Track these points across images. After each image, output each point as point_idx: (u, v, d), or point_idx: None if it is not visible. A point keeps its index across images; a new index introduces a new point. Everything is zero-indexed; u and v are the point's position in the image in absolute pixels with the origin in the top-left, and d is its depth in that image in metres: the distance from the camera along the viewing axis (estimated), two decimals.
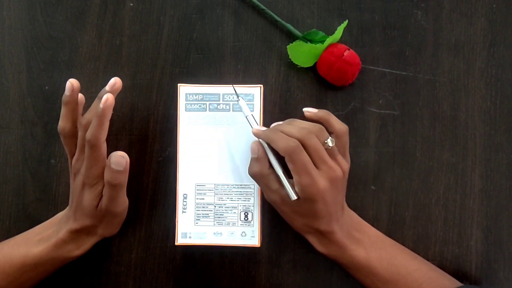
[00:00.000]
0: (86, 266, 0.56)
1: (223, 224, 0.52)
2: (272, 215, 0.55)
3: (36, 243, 0.50)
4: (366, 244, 0.50)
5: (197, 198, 0.52)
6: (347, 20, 0.53)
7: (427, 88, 0.55)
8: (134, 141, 0.56)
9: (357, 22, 0.56)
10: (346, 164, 0.49)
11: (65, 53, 0.57)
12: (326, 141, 0.47)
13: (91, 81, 0.56)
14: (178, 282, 0.55)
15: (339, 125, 0.50)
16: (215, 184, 0.52)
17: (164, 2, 0.57)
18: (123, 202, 0.51)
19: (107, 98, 0.46)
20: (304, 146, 0.46)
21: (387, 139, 0.55)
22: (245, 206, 0.52)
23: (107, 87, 0.49)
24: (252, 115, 0.50)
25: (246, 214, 0.52)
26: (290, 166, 0.47)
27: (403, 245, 0.53)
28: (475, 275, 0.53)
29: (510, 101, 0.55)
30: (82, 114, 0.51)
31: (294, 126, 0.48)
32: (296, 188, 0.47)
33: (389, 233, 0.53)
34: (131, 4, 0.57)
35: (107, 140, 0.56)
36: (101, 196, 0.49)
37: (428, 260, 0.53)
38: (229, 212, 0.52)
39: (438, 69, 0.55)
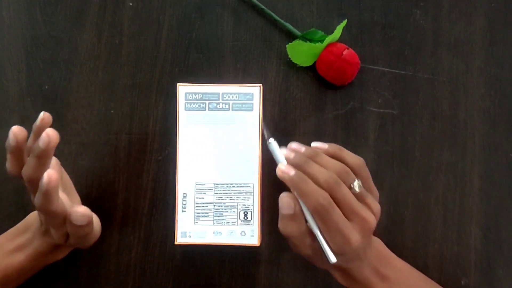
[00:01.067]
0: (86, 265, 0.56)
1: (223, 223, 0.52)
2: (272, 214, 0.55)
3: (13, 252, 0.48)
4: (392, 281, 0.47)
5: (196, 198, 0.52)
6: (346, 20, 0.53)
7: (426, 87, 0.55)
8: (133, 141, 0.56)
9: (357, 21, 0.56)
10: (377, 206, 0.45)
11: (64, 52, 0.57)
12: (352, 186, 0.44)
13: (91, 80, 0.56)
14: (178, 281, 0.55)
15: (354, 160, 0.45)
16: (214, 184, 0.52)
17: (164, 2, 0.57)
18: (93, 237, 0.49)
19: (49, 179, 0.40)
20: (333, 197, 0.42)
21: (386, 139, 0.55)
22: (245, 205, 0.52)
23: (40, 144, 0.41)
24: (276, 146, 0.47)
25: (245, 213, 0.52)
26: (320, 224, 0.43)
27: (403, 245, 0.53)
28: (474, 274, 0.53)
29: (509, 101, 0.55)
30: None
31: (321, 171, 0.43)
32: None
33: (388, 233, 0.53)
34: (131, 4, 0.57)
35: (106, 139, 0.56)
36: (68, 234, 0.46)
37: (427, 259, 0.54)
38: (229, 211, 0.52)
39: (437, 68, 0.55)
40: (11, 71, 0.57)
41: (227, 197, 0.52)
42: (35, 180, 0.42)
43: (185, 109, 0.52)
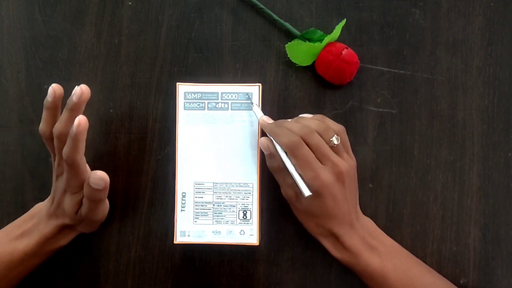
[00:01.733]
0: (85, 264, 0.56)
1: (222, 222, 0.52)
2: (271, 214, 0.55)
3: (19, 237, 0.50)
4: (381, 252, 0.49)
5: (195, 197, 0.52)
6: (345, 19, 0.53)
7: (425, 86, 0.55)
8: (133, 140, 0.56)
9: (355, 21, 0.56)
10: (352, 160, 0.50)
11: (63, 52, 0.57)
12: (331, 139, 0.48)
13: (90, 80, 0.56)
14: (177, 280, 0.56)
15: (335, 126, 0.50)
16: (213, 183, 0.52)
17: (163, 1, 0.57)
18: (102, 211, 0.52)
19: (79, 122, 0.45)
20: (306, 143, 0.47)
21: (385, 138, 0.55)
22: (244, 204, 0.52)
23: (74, 98, 0.47)
24: (257, 105, 0.52)
25: (244, 212, 0.52)
26: (293, 161, 0.47)
27: (401, 243, 0.53)
28: (473, 273, 0.54)
29: (508, 100, 0.55)
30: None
31: (298, 123, 0.48)
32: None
33: (387, 231, 0.53)
34: (130, 3, 0.57)
35: (106, 138, 0.56)
36: (81, 203, 0.50)
37: (426, 258, 0.54)
38: (228, 210, 0.52)
39: (436, 67, 0.55)
40: (10, 71, 0.57)
41: (226, 197, 0.52)
42: (65, 135, 0.47)
43: (184, 109, 0.53)
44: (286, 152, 0.48)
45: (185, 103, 0.53)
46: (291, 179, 0.49)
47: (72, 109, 0.47)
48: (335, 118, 0.55)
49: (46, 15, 0.57)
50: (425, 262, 0.53)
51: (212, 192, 0.52)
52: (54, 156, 0.50)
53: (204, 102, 0.53)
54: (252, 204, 0.52)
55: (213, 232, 0.52)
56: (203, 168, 0.52)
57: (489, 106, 0.55)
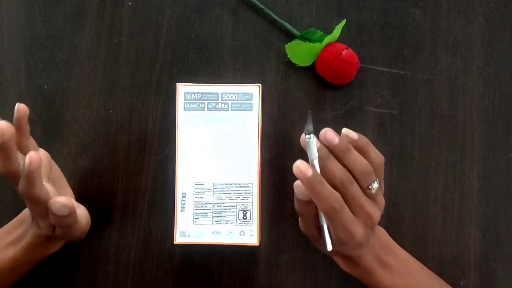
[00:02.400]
0: (84, 266, 0.56)
1: (222, 223, 0.52)
2: (271, 214, 0.55)
3: (8, 245, 0.49)
4: (393, 269, 0.48)
5: (195, 197, 0.52)
6: (345, 19, 0.53)
7: (425, 87, 0.55)
8: (133, 140, 0.56)
9: (356, 21, 0.56)
10: (383, 202, 0.47)
11: (63, 52, 0.57)
12: (371, 187, 0.45)
13: (90, 80, 0.56)
14: (177, 281, 0.55)
15: (377, 157, 0.46)
16: (213, 183, 0.52)
17: (163, 2, 0.57)
18: (80, 229, 0.49)
19: (30, 161, 0.41)
20: (344, 194, 0.44)
21: (385, 138, 0.55)
22: (244, 205, 0.52)
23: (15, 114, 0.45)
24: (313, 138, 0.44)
25: (244, 213, 0.52)
26: (328, 222, 0.44)
27: (402, 245, 0.53)
28: (473, 275, 0.53)
29: (508, 100, 0.55)
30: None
31: (339, 169, 0.44)
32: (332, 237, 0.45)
33: (387, 233, 0.53)
34: (130, 4, 0.57)
35: (105, 139, 0.56)
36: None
37: (426, 259, 0.53)
38: (228, 211, 0.52)
39: (436, 68, 0.55)
40: (10, 71, 0.57)
41: (226, 197, 0.52)
42: (28, 196, 0.43)
43: (184, 109, 0.53)
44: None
45: (185, 104, 0.53)
46: (318, 221, 0.46)
47: (27, 175, 0.42)
48: (335, 119, 0.55)
49: (46, 15, 0.57)
50: (425, 264, 0.53)
51: (212, 193, 0.52)
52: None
53: (204, 103, 0.52)
54: (252, 205, 0.52)
55: (213, 232, 0.52)
56: (203, 168, 0.52)
57: (489, 107, 0.55)
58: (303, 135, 0.44)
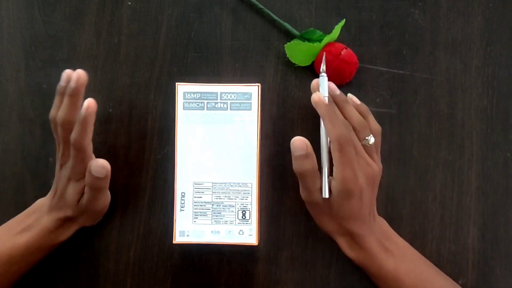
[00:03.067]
0: (84, 264, 0.56)
1: (221, 222, 0.52)
2: (270, 214, 0.55)
3: (20, 233, 0.50)
4: (395, 255, 0.49)
5: (195, 197, 0.52)
6: (344, 19, 0.53)
7: (424, 86, 0.55)
8: (132, 139, 0.56)
9: (355, 21, 0.56)
10: (380, 164, 0.50)
11: (63, 51, 0.57)
12: (367, 138, 0.49)
13: (89, 79, 0.55)
14: (176, 280, 0.56)
15: (376, 126, 0.51)
16: (212, 183, 0.52)
17: (162, 1, 0.57)
18: (103, 201, 0.52)
19: (88, 105, 0.46)
20: None
21: (384, 137, 0.55)
22: (243, 204, 0.52)
23: (72, 83, 0.47)
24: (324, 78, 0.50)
25: (243, 212, 0.52)
26: (336, 155, 0.46)
27: None
28: (471, 273, 0.54)
29: (507, 100, 0.55)
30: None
31: (340, 120, 0.47)
32: (334, 181, 0.47)
33: None
34: (129, 3, 0.57)
35: (105, 138, 0.56)
36: (83, 192, 0.50)
37: (425, 257, 0.54)
38: (227, 210, 0.52)
39: (435, 67, 0.55)
40: (10, 70, 0.57)
41: (225, 196, 0.52)
42: (68, 122, 0.48)
43: (184, 108, 0.53)
44: (328, 150, 0.48)
45: (184, 103, 0.53)
46: (319, 182, 0.48)
47: (72, 94, 0.48)
48: None
49: (45, 15, 0.57)
50: None
51: (211, 192, 0.52)
52: (59, 145, 0.51)
53: (203, 102, 0.53)
54: (251, 204, 0.52)
55: (212, 232, 0.52)
56: (202, 168, 0.52)
57: (488, 106, 0.55)
58: (314, 80, 0.49)
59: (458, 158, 0.55)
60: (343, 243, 0.50)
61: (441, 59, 0.55)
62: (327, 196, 0.48)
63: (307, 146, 0.47)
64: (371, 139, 0.49)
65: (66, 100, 0.48)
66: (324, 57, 0.51)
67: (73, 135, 0.47)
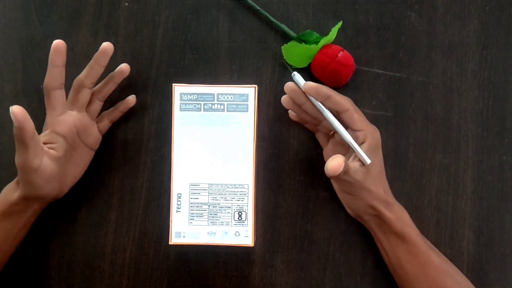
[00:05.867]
0: (80, 265, 0.56)
1: (217, 223, 0.52)
2: (266, 215, 0.55)
3: (10, 191, 0.51)
4: (394, 208, 0.51)
5: (191, 198, 0.52)
6: (341, 21, 0.53)
7: (420, 89, 0.55)
8: (129, 140, 0.56)
9: (352, 24, 0.56)
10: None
11: None
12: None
13: None
14: (172, 281, 0.56)
15: (342, 99, 0.49)
16: (209, 184, 0.52)
17: (159, 3, 0.57)
18: (96, 133, 0.54)
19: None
20: None
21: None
22: (239, 206, 0.52)
23: (99, 54, 0.51)
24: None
25: (240, 214, 0.52)
26: (356, 117, 0.48)
27: None
28: (466, 276, 0.54)
29: (502, 103, 0.55)
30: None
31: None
32: (365, 142, 0.49)
33: None
34: (126, 4, 0.57)
35: (102, 139, 0.56)
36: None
37: None
38: (223, 211, 0.52)
39: (431, 71, 0.55)
40: (6, 71, 0.57)
41: (222, 198, 0.52)
42: (86, 86, 0.52)
43: (180, 110, 0.53)
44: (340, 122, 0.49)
45: (181, 104, 0.53)
46: (354, 164, 0.49)
47: (97, 62, 0.51)
48: None
49: (42, 15, 0.57)
50: None
51: (207, 193, 0.52)
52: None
53: (200, 103, 0.53)
54: (247, 206, 0.52)
55: (208, 233, 0.52)
56: (199, 169, 0.52)
57: (483, 110, 0.55)
58: (306, 82, 0.48)
59: (453, 161, 0.55)
60: (374, 226, 0.52)
61: (437, 62, 0.55)
62: (369, 161, 0.48)
63: (345, 164, 0.47)
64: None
65: (88, 68, 0.51)
66: (287, 63, 0.54)
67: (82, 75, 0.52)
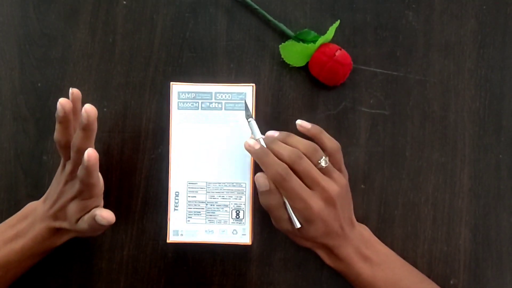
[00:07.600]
0: (78, 263, 0.56)
1: (215, 222, 0.52)
2: (263, 214, 0.55)
3: (13, 238, 0.50)
4: (374, 262, 0.50)
5: (189, 196, 0.53)
6: (339, 20, 0.54)
7: (417, 88, 0.56)
8: (126, 139, 0.56)
9: (349, 23, 0.56)
10: (343, 179, 0.49)
11: (57, 50, 0.57)
12: (319, 161, 0.48)
13: (84, 78, 0.56)
14: (170, 279, 0.56)
15: (331, 143, 0.50)
16: (207, 182, 0.53)
17: (158, 1, 0.57)
18: (102, 231, 0.52)
19: (88, 158, 0.45)
20: (294, 170, 0.47)
21: (377, 139, 0.55)
22: (237, 204, 0.52)
23: (83, 120, 0.46)
24: (254, 120, 0.50)
25: (237, 212, 0.52)
26: (282, 192, 0.47)
27: (393, 244, 0.54)
28: (463, 274, 0.54)
29: (499, 102, 0.55)
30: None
31: (285, 148, 0.48)
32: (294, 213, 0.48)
33: (378, 232, 0.54)
34: (124, 2, 0.57)
35: (99, 137, 0.56)
36: (86, 211, 0.49)
37: (416, 258, 0.54)
38: (221, 210, 0.52)
39: (428, 69, 0.56)
40: (4, 69, 0.57)
41: (219, 196, 0.52)
42: (82, 150, 0.46)
43: (178, 108, 0.53)
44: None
45: (179, 103, 0.53)
46: (286, 213, 0.48)
47: (84, 128, 0.47)
48: (328, 119, 0.55)
49: (40, 13, 0.57)
50: (416, 262, 0.54)
51: (205, 192, 0.53)
52: (65, 164, 0.50)
53: (198, 102, 0.53)
54: (245, 204, 0.52)
55: (206, 231, 0.52)
56: (196, 167, 0.52)
57: (480, 108, 0.55)
58: (245, 142, 0.49)
59: (450, 159, 0.55)
60: (322, 254, 0.51)
61: (434, 61, 0.56)
62: (298, 226, 0.48)
63: (270, 182, 0.47)
64: (323, 162, 0.48)
65: (79, 133, 0.47)
66: (246, 104, 0.52)
67: (79, 175, 0.47)
